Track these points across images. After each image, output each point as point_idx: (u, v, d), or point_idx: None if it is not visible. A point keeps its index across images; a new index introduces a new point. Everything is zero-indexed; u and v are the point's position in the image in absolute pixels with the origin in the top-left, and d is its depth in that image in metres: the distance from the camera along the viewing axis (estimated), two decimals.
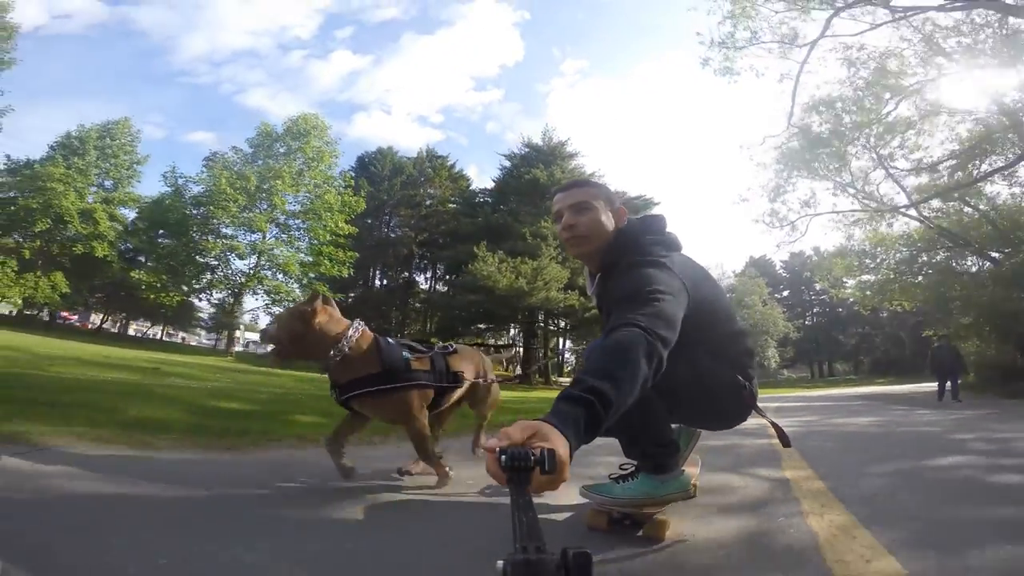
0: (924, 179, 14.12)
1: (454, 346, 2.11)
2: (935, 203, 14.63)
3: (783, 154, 13.65)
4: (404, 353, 1.85)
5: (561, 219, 1.44)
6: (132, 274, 21.14)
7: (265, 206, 19.46)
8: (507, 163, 27.65)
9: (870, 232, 15.12)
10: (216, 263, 20.54)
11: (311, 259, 20.14)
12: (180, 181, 21.12)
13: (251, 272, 19.83)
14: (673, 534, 1.32)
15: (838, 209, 14.50)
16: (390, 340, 1.90)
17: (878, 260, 16.75)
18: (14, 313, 28.92)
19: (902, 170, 14.00)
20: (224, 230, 19.49)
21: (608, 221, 1.41)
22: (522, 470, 0.60)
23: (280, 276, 20.50)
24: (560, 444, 0.68)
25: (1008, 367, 12.96)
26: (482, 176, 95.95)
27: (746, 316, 33.92)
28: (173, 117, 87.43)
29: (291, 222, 20.71)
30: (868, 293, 18.01)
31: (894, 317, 31.27)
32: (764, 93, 56.05)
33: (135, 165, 26.75)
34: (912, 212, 14.20)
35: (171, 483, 1.68)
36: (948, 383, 9.34)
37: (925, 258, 16.64)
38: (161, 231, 25.14)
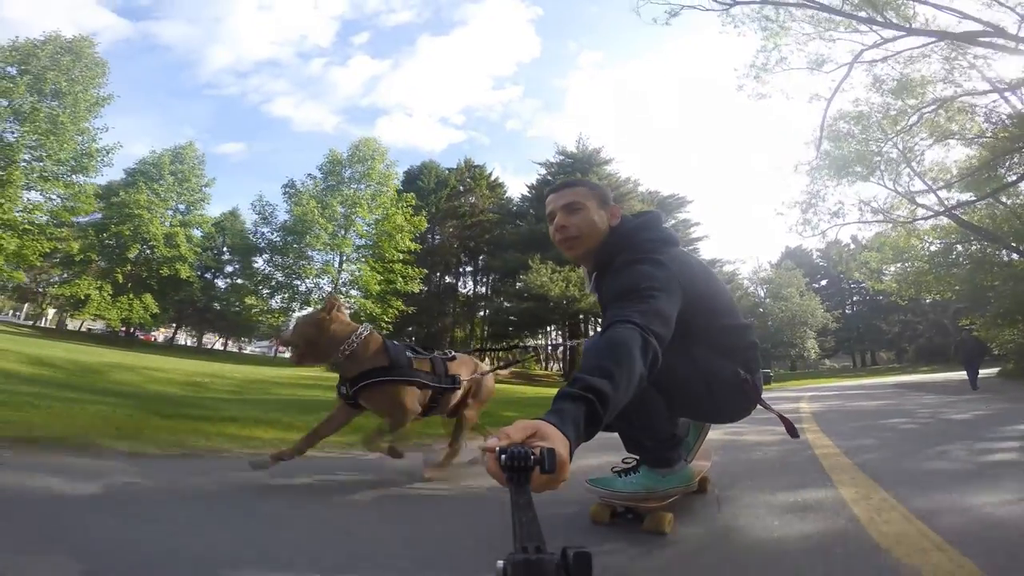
0: (953, 171, 14.68)
1: (453, 353, 2.23)
2: (964, 197, 15.19)
3: (812, 174, 14.50)
4: (408, 353, 2.02)
5: (554, 220, 1.47)
6: (246, 299, 23.13)
7: (344, 232, 21.44)
8: (543, 171, 29.06)
9: (902, 232, 15.76)
10: (310, 286, 22.61)
11: (386, 277, 22.18)
12: (268, 209, 23.24)
13: (333, 291, 21.78)
14: (676, 527, 1.33)
15: (864, 220, 15.23)
16: (395, 343, 2.05)
17: (913, 251, 17.29)
18: (88, 329, 32.14)
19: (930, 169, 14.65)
20: (312, 254, 21.47)
21: (600, 220, 1.43)
22: (522, 470, 0.60)
23: (354, 292, 22.43)
24: (560, 443, 0.68)
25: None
26: (504, 174, 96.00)
27: (784, 308, 34.33)
28: (203, 129, 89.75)
29: (367, 242, 22.67)
30: (904, 284, 18.53)
31: (936, 304, 31.13)
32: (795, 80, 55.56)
33: (204, 188, 28.80)
34: (941, 211, 14.79)
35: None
36: (973, 372, 10.22)
37: (960, 248, 17.17)
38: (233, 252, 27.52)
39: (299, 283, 22.01)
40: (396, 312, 21.92)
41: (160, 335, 36.74)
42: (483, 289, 35.02)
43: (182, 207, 28.20)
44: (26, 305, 39.01)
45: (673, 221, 31.60)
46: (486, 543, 1.25)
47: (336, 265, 21.40)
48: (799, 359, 38.84)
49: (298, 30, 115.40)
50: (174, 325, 38.66)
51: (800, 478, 2.03)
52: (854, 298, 46.47)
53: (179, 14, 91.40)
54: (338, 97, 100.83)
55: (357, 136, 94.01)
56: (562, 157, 29.10)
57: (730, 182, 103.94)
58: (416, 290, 23.60)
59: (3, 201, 17.43)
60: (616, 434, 1.45)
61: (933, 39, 10.25)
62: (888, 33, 10.39)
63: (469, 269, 34.60)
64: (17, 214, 17.86)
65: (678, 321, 1.13)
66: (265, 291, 22.31)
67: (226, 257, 34.09)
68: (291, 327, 2.01)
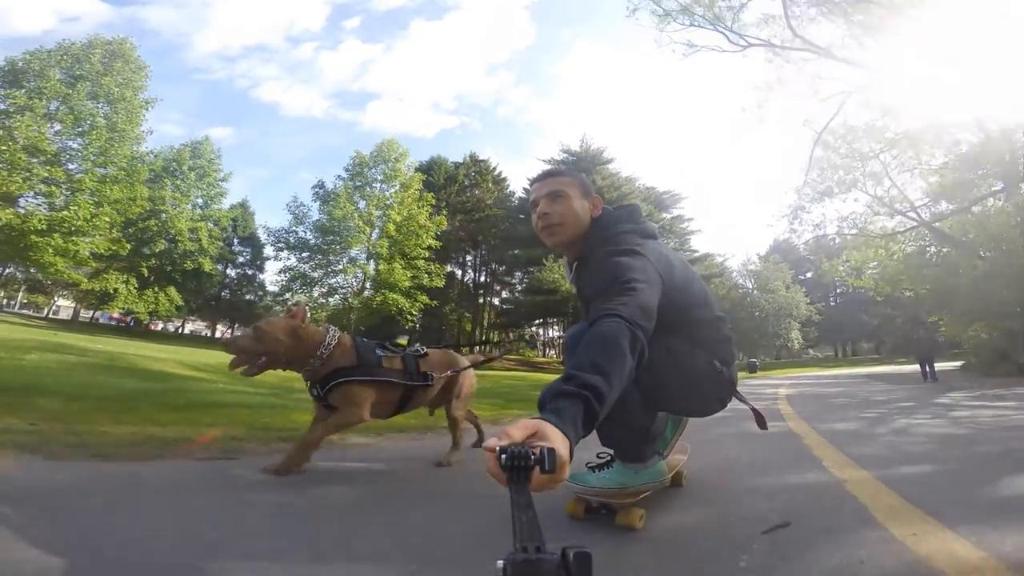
0: (933, 180, 16.31)
1: (425, 350, 2.20)
2: (939, 207, 16.98)
3: (799, 194, 16.08)
4: (377, 351, 2.01)
5: (537, 207, 1.47)
6: (295, 296, 24.05)
7: (378, 233, 22.80)
8: (547, 168, 30.40)
9: (879, 243, 17.47)
10: (343, 281, 23.85)
11: (413, 273, 23.59)
12: (302, 210, 24.43)
13: (359, 288, 23.14)
14: (647, 522, 1.35)
15: (843, 232, 16.96)
16: (365, 341, 2.05)
17: (887, 256, 19.11)
18: (100, 320, 33.08)
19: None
20: (351, 252, 22.78)
21: (583, 210, 1.45)
22: (522, 469, 0.60)
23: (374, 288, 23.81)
24: (560, 443, 0.69)
25: (1000, 352, 15.46)
26: (496, 159, 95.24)
27: (770, 300, 36.30)
28: (191, 114, 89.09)
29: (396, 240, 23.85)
30: (880, 282, 20.38)
31: (915, 299, 33.27)
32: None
33: (221, 183, 29.77)
34: (916, 223, 16.49)
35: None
36: (927, 366, 11.96)
37: (933, 250, 19.03)
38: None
39: (333, 280, 23.33)
40: (421, 305, 23.38)
41: (169, 324, 37.81)
42: (482, 277, 36.67)
43: (200, 201, 29.07)
44: (20, 294, 39.55)
45: (668, 216, 33.30)
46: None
47: (372, 264, 22.75)
48: (784, 349, 41.05)
49: (288, 14, 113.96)
50: (199, 318, 39.81)
51: (774, 441, 2.97)
52: (837, 291, 48.58)
53: None
54: (328, 82, 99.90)
55: (346, 120, 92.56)
56: (566, 154, 30.52)
57: (721, 174, 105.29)
58: (440, 285, 25.11)
59: (76, 207, 18.11)
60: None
61: None
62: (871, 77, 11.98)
63: (469, 258, 36.15)
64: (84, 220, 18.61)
65: (657, 313, 1.15)
66: (300, 286, 23.57)
67: (236, 248, 35.40)
68: (252, 334, 1.88)
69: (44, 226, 17.48)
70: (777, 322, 36.26)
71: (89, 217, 18.31)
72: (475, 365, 2.50)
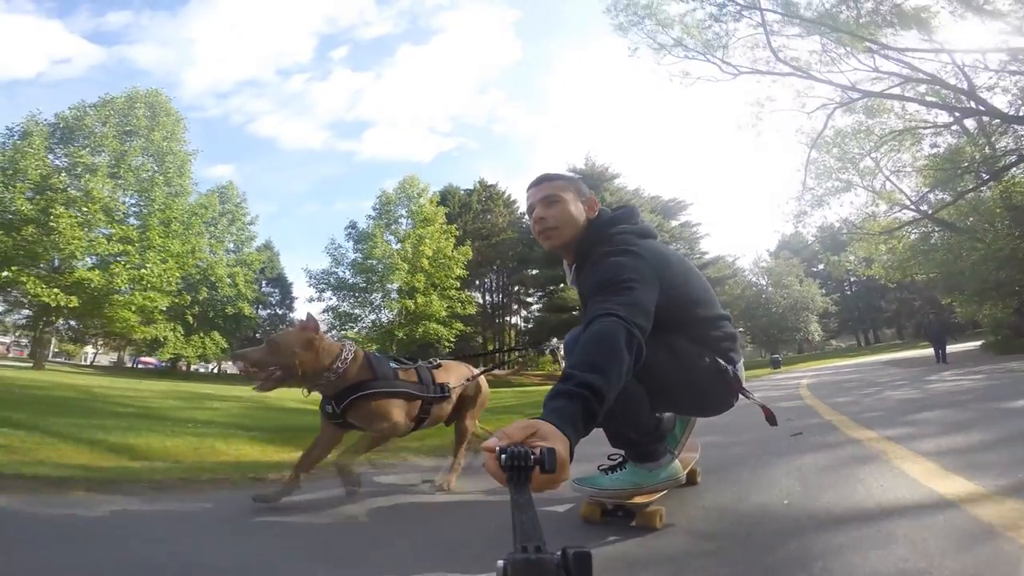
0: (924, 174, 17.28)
1: (439, 361, 2.19)
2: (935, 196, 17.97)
3: (799, 200, 17.19)
4: (391, 365, 2.00)
5: (533, 212, 1.50)
6: (345, 334, 24.81)
7: (414, 270, 24.32)
8: None
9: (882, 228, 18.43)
10: (387, 319, 25.07)
11: (448, 304, 25.08)
12: (340, 252, 25.80)
13: (400, 320, 24.52)
14: (668, 522, 1.34)
15: (846, 229, 18.01)
16: (377, 355, 2.03)
17: (897, 241, 19.98)
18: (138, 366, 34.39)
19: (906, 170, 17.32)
20: (390, 287, 24.27)
21: (578, 212, 1.47)
22: (522, 469, 0.60)
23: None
24: (560, 443, 0.69)
25: (1017, 329, 16.27)
26: (495, 177, 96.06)
27: (785, 295, 37.03)
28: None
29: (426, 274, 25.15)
30: (890, 269, 21.21)
31: (929, 281, 33.84)
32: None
33: (250, 226, 30.64)
34: (915, 215, 17.44)
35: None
36: (940, 349, 12.81)
37: (937, 235, 19.89)
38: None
39: (374, 316, 24.81)
40: (456, 332, 24.72)
41: (200, 366, 39.36)
42: (501, 298, 38.04)
43: (232, 245, 29.95)
44: (52, 344, 40.65)
45: (675, 223, 34.44)
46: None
47: (410, 299, 24.13)
48: (804, 342, 41.50)
49: (274, 47, 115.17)
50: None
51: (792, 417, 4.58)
52: (851, 279, 48.97)
53: (148, 37, 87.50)
54: (323, 112, 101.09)
55: (344, 150, 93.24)
56: (571, 173, 31.92)
57: (724, 175, 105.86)
58: (472, 312, 26.68)
59: (151, 265, 18.97)
60: (599, 430, 1.34)
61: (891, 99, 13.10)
62: (855, 94, 13.21)
63: (487, 282, 37.60)
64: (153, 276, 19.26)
65: (656, 312, 1.16)
66: (344, 324, 24.90)
67: (265, 289, 37.06)
68: (265, 347, 1.85)
69: (126, 285, 18.37)
70: (795, 316, 36.92)
71: (161, 273, 19.27)
72: (487, 371, 2.48)
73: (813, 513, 1.42)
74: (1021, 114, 12.05)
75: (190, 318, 26.82)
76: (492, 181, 38.03)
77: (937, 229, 19.09)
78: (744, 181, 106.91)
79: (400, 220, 25.27)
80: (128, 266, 18.68)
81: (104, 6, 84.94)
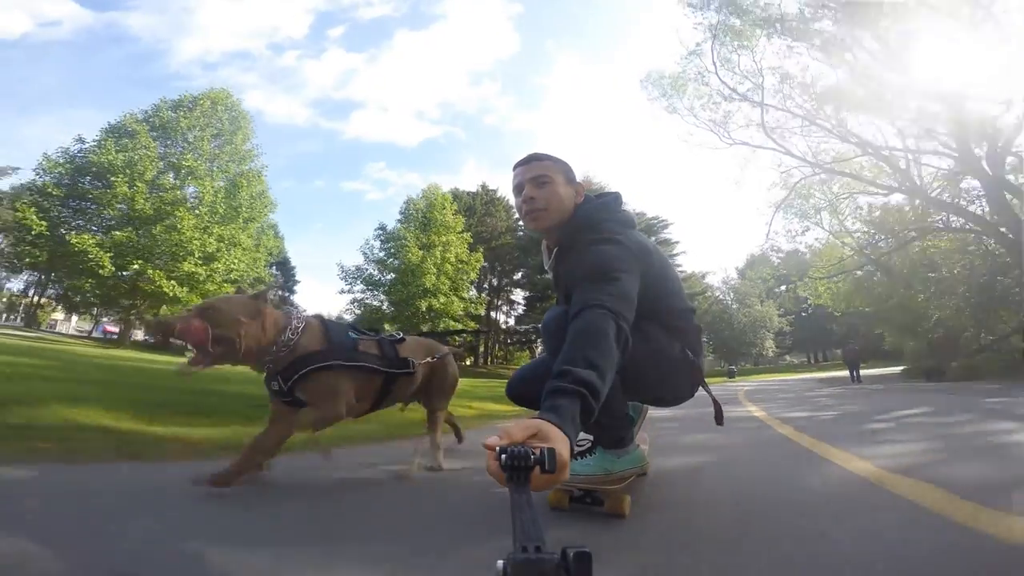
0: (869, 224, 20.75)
1: (402, 335, 2.00)
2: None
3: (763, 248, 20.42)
4: (351, 334, 1.78)
5: (521, 192, 1.47)
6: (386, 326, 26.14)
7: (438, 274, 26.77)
8: None
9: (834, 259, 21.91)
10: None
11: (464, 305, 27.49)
12: (381, 255, 27.65)
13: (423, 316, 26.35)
14: (635, 508, 1.36)
15: (805, 273, 21.50)
16: (336, 322, 1.84)
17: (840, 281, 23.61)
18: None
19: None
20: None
21: (567, 196, 1.46)
22: (522, 469, 0.61)
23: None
24: (561, 443, 0.70)
25: (922, 357, 20.02)
26: (481, 170, 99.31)
27: (747, 314, 40.97)
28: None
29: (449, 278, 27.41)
30: (836, 300, 24.89)
31: (864, 314, 38.18)
32: None
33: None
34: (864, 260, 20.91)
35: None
36: (854, 371, 16.28)
37: (879, 276, 23.57)
38: None
39: (395, 309, 26.91)
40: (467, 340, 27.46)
41: None
42: (493, 298, 40.58)
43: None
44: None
45: (654, 238, 37.66)
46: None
47: (434, 297, 26.52)
48: (760, 356, 45.78)
49: (270, 21, 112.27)
50: None
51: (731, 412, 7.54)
52: (808, 302, 53.56)
53: (147, 5, 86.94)
54: (311, 90, 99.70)
55: (329, 129, 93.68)
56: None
57: (698, 190, 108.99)
58: (482, 312, 29.22)
59: (237, 261, 20.75)
60: None
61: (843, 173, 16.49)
62: (818, 169, 16.50)
63: (484, 284, 40.09)
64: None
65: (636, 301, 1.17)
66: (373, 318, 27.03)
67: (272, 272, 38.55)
68: (197, 313, 1.49)
69: (221, 278, 20.11)
70: (754, 333, 40.92)
71: (246, 268, 21.16)
72: (455, 348, 2.35)
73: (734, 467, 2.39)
74: (932, 195, 15.49)
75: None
76: (488, 181, 40.50)
77: (875, 270, 22.76)
78: (718, 199, 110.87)
79: (425, 227, 27.35)
80: (225, 261, 20.50)
81: None
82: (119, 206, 18.88)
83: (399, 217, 28.14)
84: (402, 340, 1.97)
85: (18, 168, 33.31)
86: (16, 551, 1.03)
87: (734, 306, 43.19)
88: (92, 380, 4.56)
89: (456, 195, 35.69)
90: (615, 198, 1.53)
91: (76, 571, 1.00)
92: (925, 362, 18.60)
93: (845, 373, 23.10)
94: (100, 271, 17.76)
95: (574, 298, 1.14)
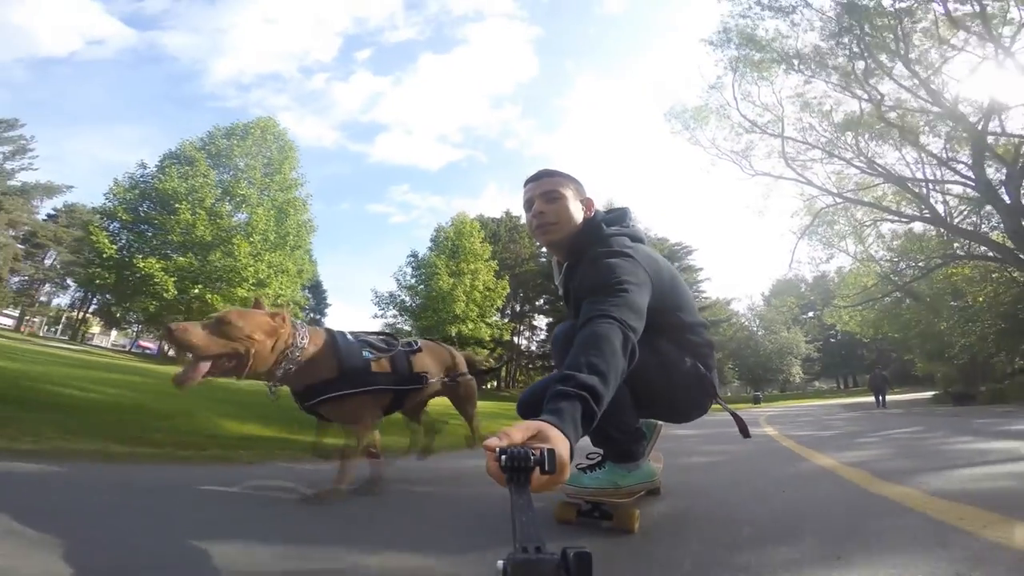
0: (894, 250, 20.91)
1: (419, 343, 2.00)
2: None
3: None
4: (365, 352, 1.76)
5: (531, 207, 1.50)
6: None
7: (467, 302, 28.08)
8: None
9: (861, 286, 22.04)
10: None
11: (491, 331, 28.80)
12: (412, 282, 28.89)
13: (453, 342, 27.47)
14: (643, 525, 1.37)
15: (828, 302, 21.67)
16: (348, 336, 1.79)
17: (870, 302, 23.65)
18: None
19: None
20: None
21: (576, 211, 1.49)
22: (522, 470, 0.61)
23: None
24: (561, 444, 0.71)
25: (952, 382, 19.99)
26: (502, 194, 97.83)
27: (773, 340, 40.75)
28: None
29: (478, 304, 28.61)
30: (864, 326, 24.87)
31: (895, 340, 37.53)
32: None
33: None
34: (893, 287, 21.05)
35: None
36: (880, 396, 16.45)
37: (908, 303, 23.59)
38: None
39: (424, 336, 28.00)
40: (498, 355, 28.23)
41: None
42: (516, 324, 41.37)
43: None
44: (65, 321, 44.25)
45: (677, 264, 37.96)
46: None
47: (463, 324, 27.65)
48: (787, 382, 45.24)
49: (301, 44, 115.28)
50: None
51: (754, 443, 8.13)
52: (837, 328, 52.77)
53: (184, 24, 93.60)
54: (339, 112, 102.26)
55: (356, 152, 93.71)
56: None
57: (723, 216, 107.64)
58: (508, 338, 30.34)
59: (283, 287, 21.95)
60: None
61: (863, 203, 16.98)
62: (839, 199, 17.04)
63: (507, 310, 41.02)
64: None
65: (646, 314, 1.19)
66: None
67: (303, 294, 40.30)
68: (215, 325, 1.45)
69: (271, 303, 20.73)
70: (780, 359, 40.62)
71: (292, 293, 22.50)
72: (476, 373, 2.34)
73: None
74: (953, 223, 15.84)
75: None
76: (510, 207, 41.53)
77: (902, 296, 22.81)
78: (742, 224, 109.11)
79: (452, 255, 28.60)
80: (275, 286, 21.74)
81: None
82: (181, 231, 20.22)
83: (430, 244, 29.48)
84: (418, 350, 1.97)
85: (71, 187, 36.06)
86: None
87: (760, 332, 43.03)
88: (201, 395, 4.91)
89: (482, 222, 36.90)
90: (624, 213, 1.58)
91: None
92: (955, 387, 18.68)
93: (867, 399, 23.13)
94: (165, 294, 19.23)
95: (582, 310, 1.15)
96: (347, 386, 1.66)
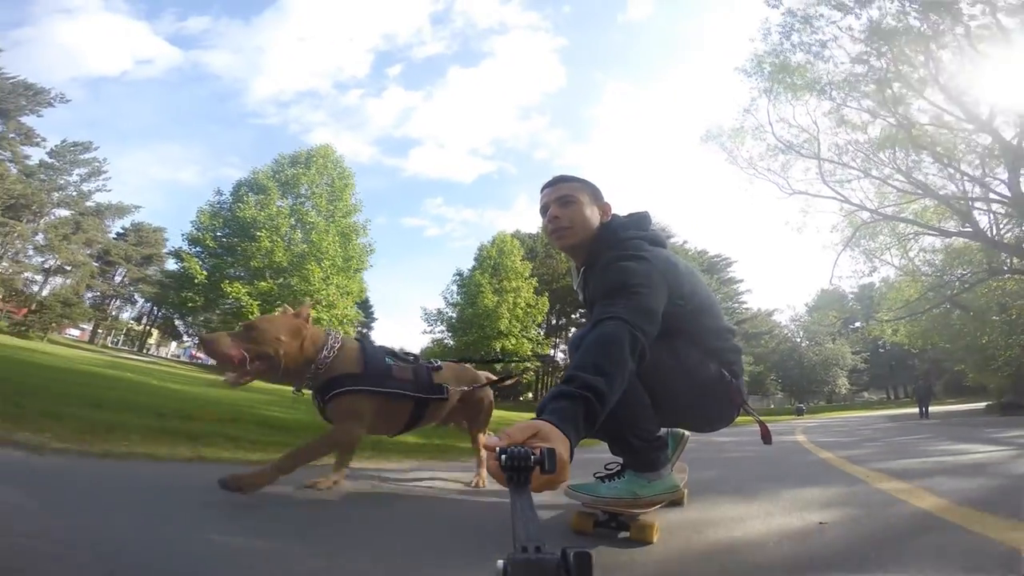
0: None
1: (439, 363, 2.08)
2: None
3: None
4: (387, 360, 1.86)
5: (547, 212, 1.52)
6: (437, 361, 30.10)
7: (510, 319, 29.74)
8: None
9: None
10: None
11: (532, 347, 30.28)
12: (458, 299, 30.82)
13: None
14: (662, 537, 1.33)
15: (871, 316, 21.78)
16: (376, 346, 1.93)
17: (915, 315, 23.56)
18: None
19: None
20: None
21: (592, 215, 1.50)
22: (522, 470, 0.61)
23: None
24: (561, 444, 0.71)
25: (1003, 392, 19.87)
26: (531, 204, 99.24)
27: (817, 352, 40.30)
28: (248, 159, 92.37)
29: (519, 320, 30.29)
30: (912, 338, 24.68)
31: (944, 351, 36.36)
32: None
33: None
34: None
35: None
36: (923, 407, 16.67)
37: (958, 313, 23.39)
38: None
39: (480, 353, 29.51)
40: (535, 368, 29.91)
41: None
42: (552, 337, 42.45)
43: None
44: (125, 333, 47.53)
45: (719, 279, 38.22)
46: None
47: (506, 339, 29.18)
48: (833, 394, 44.39)
49: (334, 61, 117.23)
50: None
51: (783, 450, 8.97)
52: (883, 340, 51.32)
53: (223, 43, 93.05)
54: (373, 127, 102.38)
55: (390, 167, 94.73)
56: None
57: (765, 226, 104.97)
58: (548, 352, 31.72)
59: (346, 308, 23.96)
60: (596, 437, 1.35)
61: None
62: (877, 216, 17.55)
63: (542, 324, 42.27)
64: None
65: (665, 319, 1.18)
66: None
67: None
68: (243, 332, 1.61)
69: (337, 322, 22.95)
70: (825, 371, 40.11)
71: (353, 315, 24.48)
72: (493, 384, 2.34)
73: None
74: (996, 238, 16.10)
75: None
76: (521, 202, 42.87)
77: (951, 307, 22.64)
78: (782, 236, 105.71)
79: (495, 273, 30.30)
80: (342, 307, 23.56)
81: (187, 10, 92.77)
82: (260, 257, 22.11)
83: (473, 263, 31.24)
84: (439, 368, 2.05)
85: (140, 207, 37.88)
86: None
87: (803, 344, 42.58)
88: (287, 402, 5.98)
89: (519, 239, 38.31)
90: (642, 217, 1.56)
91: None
92: (1007, 397, 18.58)
93: (911, 410, 22.99)
94: (250, 317, 21.01)
95: (594, 312, 1.16)
96: (367, 384, 1.75)
